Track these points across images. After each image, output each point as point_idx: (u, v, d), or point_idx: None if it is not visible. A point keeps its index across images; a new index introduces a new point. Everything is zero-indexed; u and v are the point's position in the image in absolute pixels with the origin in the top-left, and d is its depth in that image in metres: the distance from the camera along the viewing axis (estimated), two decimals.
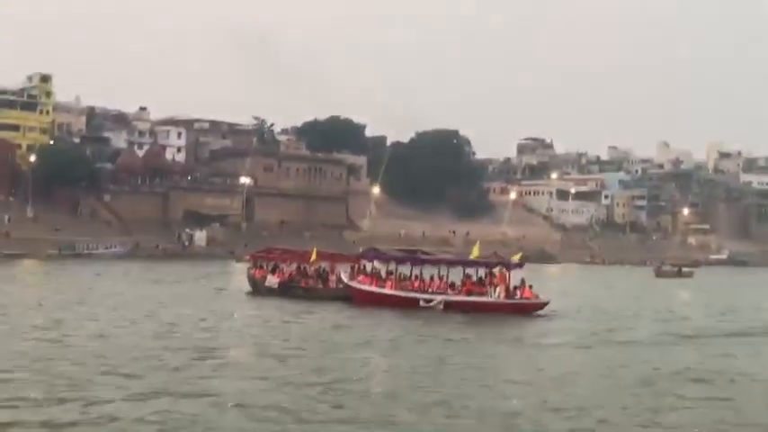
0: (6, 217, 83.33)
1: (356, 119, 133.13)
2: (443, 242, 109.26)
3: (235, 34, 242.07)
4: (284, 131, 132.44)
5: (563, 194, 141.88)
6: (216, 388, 16.17)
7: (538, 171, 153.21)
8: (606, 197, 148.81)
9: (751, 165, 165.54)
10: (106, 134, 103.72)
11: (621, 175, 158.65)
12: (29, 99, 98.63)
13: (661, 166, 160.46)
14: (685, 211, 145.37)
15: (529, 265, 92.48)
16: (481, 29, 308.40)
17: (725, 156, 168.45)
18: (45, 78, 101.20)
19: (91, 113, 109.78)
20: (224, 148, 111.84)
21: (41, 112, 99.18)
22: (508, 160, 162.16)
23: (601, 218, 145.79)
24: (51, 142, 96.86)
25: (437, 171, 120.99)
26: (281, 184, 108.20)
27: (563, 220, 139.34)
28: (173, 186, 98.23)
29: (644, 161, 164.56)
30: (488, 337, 25.96)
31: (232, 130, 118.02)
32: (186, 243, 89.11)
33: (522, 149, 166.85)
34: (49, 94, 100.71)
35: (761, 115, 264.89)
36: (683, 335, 27.29)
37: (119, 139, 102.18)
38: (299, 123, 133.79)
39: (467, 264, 34.50)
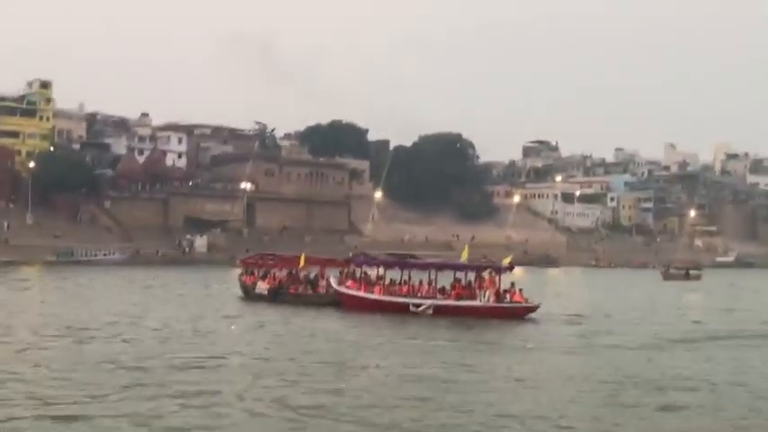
0: (6, 223, 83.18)
1: (359, 123, 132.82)
2: (446, 246, 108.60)
3: (237, 39, 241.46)
4: (287, 136, 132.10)
5: (568, 197, 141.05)
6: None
7: (543, 174, 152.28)
8: (612, 199, 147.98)
9: (758, 166, 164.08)
10: (106, 140, 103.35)
11: (627, 177, 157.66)
12: (29, 106, 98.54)
13: (667, 168, 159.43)
14: (692, 212, 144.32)
15: (531, 269, 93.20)
16: (487, 32, 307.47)
17: (732, 157, 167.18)
18: (45, 85, 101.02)
19: (92, 120, 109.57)
20: (225, 153, 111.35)
21: (41, 118, 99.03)
22: (513, 163, 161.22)
23: (607, 220, 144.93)
24: (51, 149, 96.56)
25: (440, 175, 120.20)
26: (283, 188, 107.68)
27: (568, 223, 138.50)
28: (173, 192, 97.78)
29: (650, 163, 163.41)
30: (468, 341, 25.27)
31: (233, 135, 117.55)
32: (187, 249, 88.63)
33: (527, 152, 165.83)
34: (48, 100, 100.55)
35: None
36: (672, 339, 26.53)
37: (119, 145, 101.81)
38: (301, 128, 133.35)
39: (456, 268, 33.84)
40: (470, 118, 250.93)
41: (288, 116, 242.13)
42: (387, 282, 34.13)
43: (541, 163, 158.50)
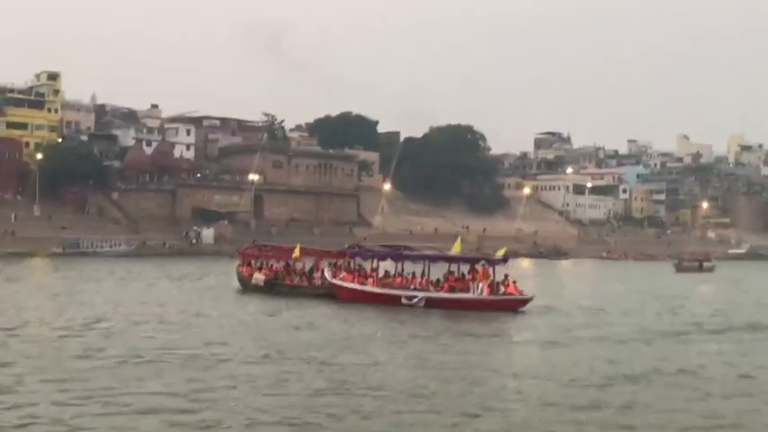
0: (13, 215, 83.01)
1: (369, 115, 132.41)
2: (456, 238, 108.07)
3: (248, 30, 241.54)
4: (298, 128, 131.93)
5: (579, 189, 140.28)
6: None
7: (554, 165, 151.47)
8: (624, 191, 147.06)
9: None
10: (114, 132, 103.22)
11: (640, 168, 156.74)
12: (36, 97, 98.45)
13: (680, 160, 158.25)
14: (705, 204, 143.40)
15: (541, 261, 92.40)
16: (500, 23, 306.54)
17: (746, 149, 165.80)
18: (53, 76, 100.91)
19: (101, 111, 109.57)
20: (233, 144, 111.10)
21: (49, 110, 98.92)
22: (524, 155, 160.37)
23: (619, 212, 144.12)
24: (59, 140, 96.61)
25: (450, 166, 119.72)
26: (291, 180, 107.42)
27: (579, 215, 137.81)
28: (181, 184, 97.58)
29: (663, 155, 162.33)
30: (452, 333, 24.89)
31: (242, 126, 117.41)
32: (194, 241, 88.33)
33: (539, 144, 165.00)
34: (57, 91, 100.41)
35: None
36: (665, 331, 26.06)
37: (127, 137, 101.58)
38: (311, 120, 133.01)
39: (449, 259, 33.44)
40: (483, 109, 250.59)
41: (298, 108, 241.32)
42: (381, 273, 33.83)
43: (553, 155, 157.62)
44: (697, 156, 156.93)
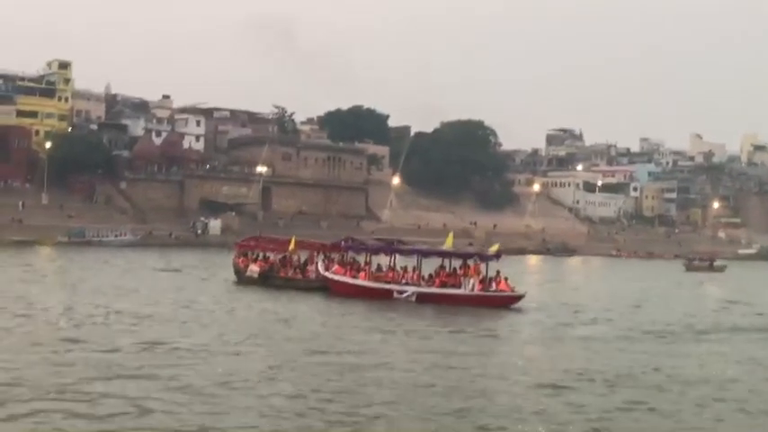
0: (21, 203, 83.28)
1: (380, 109, 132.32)
2: (464, 234, 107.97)
3: (259, 23, 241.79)
4: (309, 121, 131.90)
5: (590, 186, 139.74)
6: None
7: (565, 162, 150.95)
8: (635, 189, 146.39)
9: None
10: (124, 121, 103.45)
11: (651, 167, 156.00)
12: (47, 86, 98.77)
13: (692, 159, 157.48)
14: (716, 204, 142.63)
15: (549, 258, 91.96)
16: (512, 18, 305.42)
17: (759, 148, 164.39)
18: (64, 65, 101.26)
19: (112, 101, 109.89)
20: (243, 136, 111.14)
21: (60, 98, 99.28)
22: (535, 151, 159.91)
23: (629, 210, 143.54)
24: (69, 129, 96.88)
25: (461, 162, 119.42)
26: (300, 173, 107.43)
27: (589, 213, 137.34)
28: (189, 174, 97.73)
29: (675, 153, 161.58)
30: (431, 329, 24.76)
31: (252, 118, 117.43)
32: (200, 231, 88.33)
33: (550, 140, 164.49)
34: (67, 80, 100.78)
35: None
36: (651, 331, 25.83)
37: (136, 127, 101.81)
38: (322, 113, 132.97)
39: (441, 254, 33.34)
40: (495, 105, 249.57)
41: (309, 101, 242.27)
42: (374, 267, 33.77)
43: (564, 151, 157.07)
44: (709, 155, 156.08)
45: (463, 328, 24.84)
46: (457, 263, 32.35)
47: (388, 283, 32.19)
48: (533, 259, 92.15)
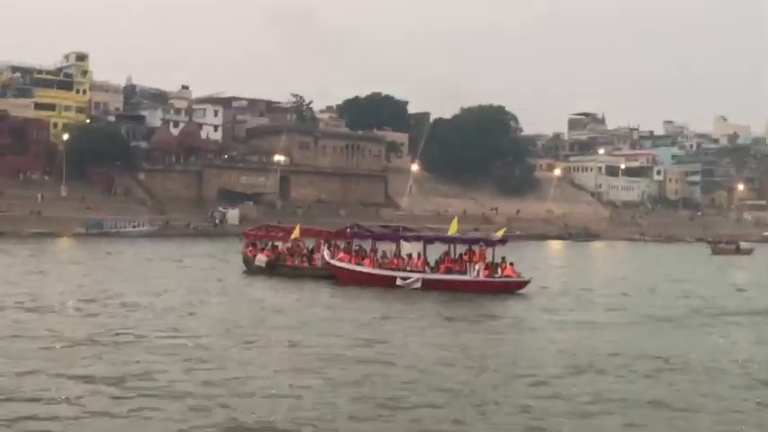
0: (40, 195, 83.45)
1: (401, 96, 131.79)
2: (484, 220, 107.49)
3: (277, 12, 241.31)
4: (329, 109, 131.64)
5: (612, 170, 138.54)
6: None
7: (587, 147, 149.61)
8: (658, 173, 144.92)
9: None
10: (142, 113, 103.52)
11: (675, 150, 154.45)
12: (65, 78, 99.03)
13: (717, 141, 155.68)
14: (740, 186, 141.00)
15: (569, 243, 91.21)
16: (534, 3, 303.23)
17: None
18: (81, 57, 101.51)
19: (130, 92, 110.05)
20: (261, 126, 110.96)
21: (78, 91, 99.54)
22: (557, 136, 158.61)
23: (653, 194, 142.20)
24: (87, 121, 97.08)
25: (481, 147, 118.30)
26: (318, 161, 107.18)
27: (612, 197, 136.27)
28: (207, 165, 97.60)
29: (700, 136, 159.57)
30: (424, 316, 24.39)
31: (270, 108, 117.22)
32: (218, 221, 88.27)
33: (573, 125, 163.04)
34: (85, 72, 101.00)
35: None
36: (656, 316, 25.15)
37: (154, 118, 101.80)
38: (341, 101, 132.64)
39: (446, 240, 32.84)
40: (517, 90, 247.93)
41: (328, 89, 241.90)
42: (380, 254, 33.38)
43: (586, 136, 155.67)
44: (734, 137, 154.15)
45: (463, 315, 24.44)
46: (462, 249, 31.86)
47: (393, 270, 31.77)
48: (555, 245, 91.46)
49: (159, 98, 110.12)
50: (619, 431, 12.32)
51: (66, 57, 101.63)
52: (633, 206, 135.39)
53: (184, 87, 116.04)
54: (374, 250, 33.66)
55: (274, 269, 36.41)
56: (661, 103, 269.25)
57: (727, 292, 34.54)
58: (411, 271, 31.38)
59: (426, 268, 31.56)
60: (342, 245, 35.79)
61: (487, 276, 30.31)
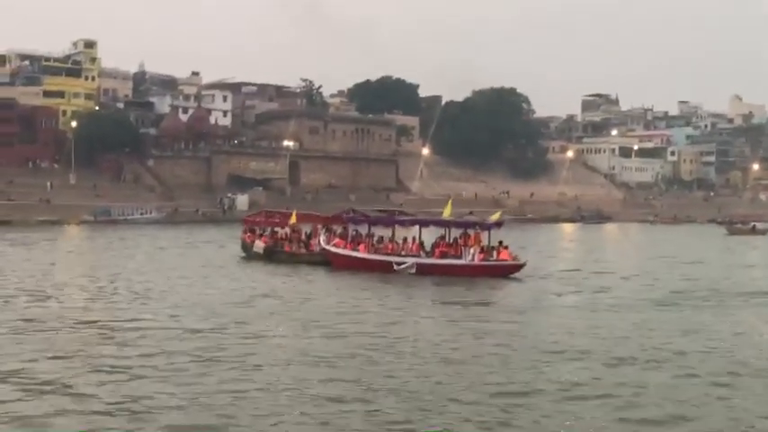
0: (49, 183, 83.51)
1: (413, 79, 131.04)
2: (496, 203, 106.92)
3: None
4: (340, 93, 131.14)
5: (626, 151, 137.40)
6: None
7: (600, 128, 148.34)
8: (672, 154, 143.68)
9: None
10: (151, 99, 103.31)
11: (689, 130, 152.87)
12: (73, 65, 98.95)
13: (732, 121, 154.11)
14: (755, 166, 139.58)
15: (581, 226, 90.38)
16: None
17: None
18: (90, 44, 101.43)
19: (140, 79, 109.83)
20: (270, 111, 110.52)
21: (86, 78, 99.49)
22: (570, 118, 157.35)
23: (667, 175, 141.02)
24: (96, 108, 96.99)
25: (492, 130, 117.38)
26: (328, 146, 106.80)
27: (626, 179, 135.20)
28: (216, 150, 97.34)
29: (714, 116, 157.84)
30: (413, 300, 24.18)
31: (280, 92, 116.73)
32: (227, 207, 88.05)
33: (586, 106, 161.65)
34: (93, 59, 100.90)
35: None
36: (651, 299, 24.76)
37: (163, 104, 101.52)
38: (351, 85, 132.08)
39: (441, 224, 32.52)
40: (529, 72, 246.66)
41: (338, 74, 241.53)
42: (376, 239, 33.07)
43: (600, 117, 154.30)
44: (749, 116, 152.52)
45: (452, 301, 24.11)
46: (457, 233, 31.49)
47: (388, 255, 31.45)
48: (567, 227, 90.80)
49: (169, 84, 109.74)
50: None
51: (75, 44, 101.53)
52: (647, 187, 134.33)
53: (194, 74, 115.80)
54: (370, 235, 33.35)
55: (272, 255, 36.25)
56: (676, 83, 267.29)
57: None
58: (406, 255, 31.03)
59: (422, 252, 31.19)
60: (339, 230, 35.50)
61: (483, 260, 29.96)
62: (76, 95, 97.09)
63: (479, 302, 23.87)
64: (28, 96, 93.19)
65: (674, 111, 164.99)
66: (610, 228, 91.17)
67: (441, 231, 32.46)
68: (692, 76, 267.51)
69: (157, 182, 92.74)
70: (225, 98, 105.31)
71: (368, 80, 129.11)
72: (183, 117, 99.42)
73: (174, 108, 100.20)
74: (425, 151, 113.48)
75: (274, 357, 15.60)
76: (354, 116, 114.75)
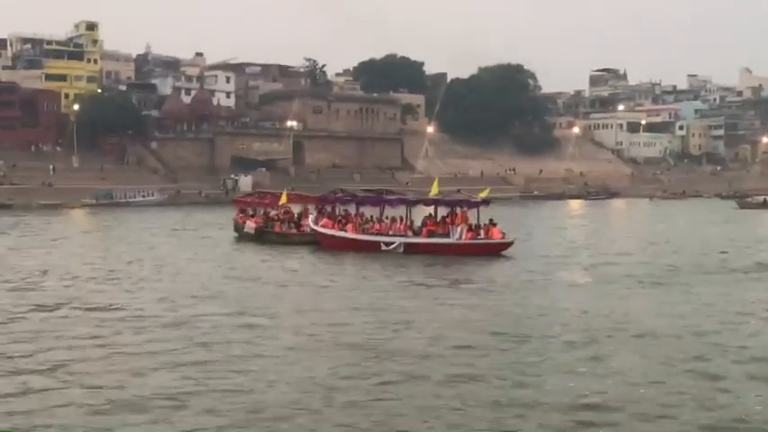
0: (51, 167, 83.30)
1: (418, 57, 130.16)
2: (502, 181, 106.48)
3: None
4: (345, 72, 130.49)
5: (634, 126, 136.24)
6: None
7: (608, 103, 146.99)
8: (681, 128, 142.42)
9: None
10: (153, 81, 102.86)
11: (698, 104, 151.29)
12: (75, 48, 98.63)
13: (741, 94, 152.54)
14: (765, 139, 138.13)
15: (588, 202, 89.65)
16: None
17: None
18: (91, 26, 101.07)
19: (143, 61, 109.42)
20: (274, 91, 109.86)
21: (89, 60, 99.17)
22: (578, 93, 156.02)
23: (675, 150, 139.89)
24: (99, 91, 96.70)
25: (498, 107, 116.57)
26: (332, 126, 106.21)
27: (634, 154, 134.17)
28: (219, 132, 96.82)
29: (723, 89, 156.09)
30: (389, 280, 23.84)
31: (283, 72, 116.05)
32: (230, 188, 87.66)
33: (594, 81, 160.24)
34: (95, 42, 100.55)
35: None
36: (636, 275, 24.37)
37: (166, 86, 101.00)
38: (356, 64, 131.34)
39: (428, 203, 32.15)
40: (536, 48, 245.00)
41: (343, 53, 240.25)
42: (363, 219, 32.75)
43: (607, 92, 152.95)
44: (758, 89, 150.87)
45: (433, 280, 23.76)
46: (444, 211, 31.10)
47: (376, 234, 31.11)
48: (573, 204, 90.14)
49: (172, 66, 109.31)
50: None
51: (77, 26, 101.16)
52: (655, 162, 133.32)
53: (198, 54, 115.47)
54: (359, 215, 33.02)
55: (263, 235, 36.05)
56: (684, 56, 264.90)
57: None
58: (394, 235, 30.68)
59: (409, 232, 30.82)
60: (328, 210, 35.20)
61: (470, 239, 29.56)
62: (78, 78, 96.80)
63: (459, 281, 23.50)
64: (30, 80, 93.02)
65: (682, 85, 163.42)
66: (617, 204, 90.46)
67: (429, 210, 32.05)
68: (701, 49, 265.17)
69: (161, 164, 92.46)
70: (228, 79, 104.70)
71: (372, 59, 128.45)
72: (186, 98, 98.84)
73: (177, 90, 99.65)
74: (431, 129, 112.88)
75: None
76: (359, 95, 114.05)
